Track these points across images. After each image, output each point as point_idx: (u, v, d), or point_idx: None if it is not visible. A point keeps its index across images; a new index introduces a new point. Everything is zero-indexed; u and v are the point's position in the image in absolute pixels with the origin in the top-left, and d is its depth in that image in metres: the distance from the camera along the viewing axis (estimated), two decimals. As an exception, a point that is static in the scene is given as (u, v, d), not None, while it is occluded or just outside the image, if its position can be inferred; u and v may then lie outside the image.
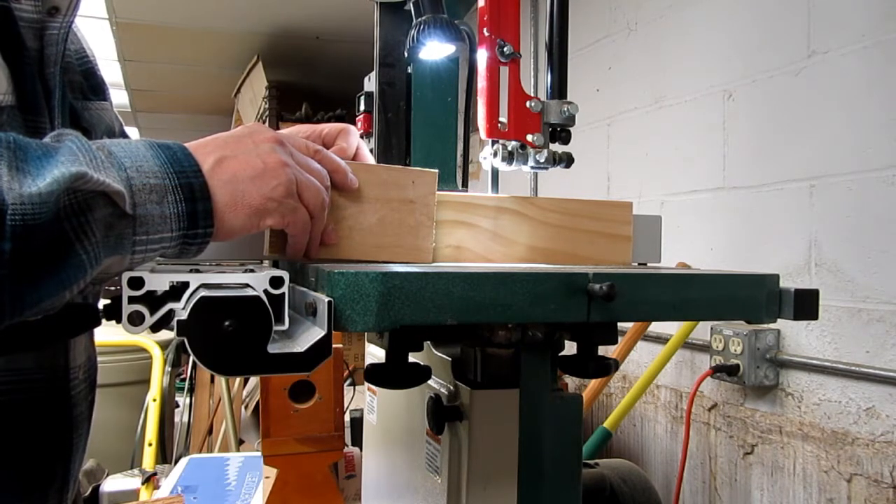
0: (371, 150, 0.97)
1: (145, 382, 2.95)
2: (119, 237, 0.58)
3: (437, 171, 0.83)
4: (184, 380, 3.88)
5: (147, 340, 2.96)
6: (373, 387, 1.07)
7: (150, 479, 2.32)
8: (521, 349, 0.81)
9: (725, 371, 2.02)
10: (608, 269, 0.77)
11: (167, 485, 1.95)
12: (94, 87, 0.86)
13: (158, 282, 0.57)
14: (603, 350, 0.83)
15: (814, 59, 1.88)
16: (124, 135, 0.90)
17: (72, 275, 0.55)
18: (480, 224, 0.88)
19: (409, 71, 1.25)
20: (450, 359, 0.86)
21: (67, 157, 0.55)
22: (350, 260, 0.79)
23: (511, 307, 0.63)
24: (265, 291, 0.57)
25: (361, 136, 0.88)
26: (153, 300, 0.57)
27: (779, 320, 0.74)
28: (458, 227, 0.87)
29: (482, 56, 0.92)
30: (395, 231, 0.80)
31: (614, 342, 0.79)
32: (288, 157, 0.68)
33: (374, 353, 1.10)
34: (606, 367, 0.81)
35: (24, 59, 0.69)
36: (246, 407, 2.95)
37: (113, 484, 2.32)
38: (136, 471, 2.43)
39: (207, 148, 0.65)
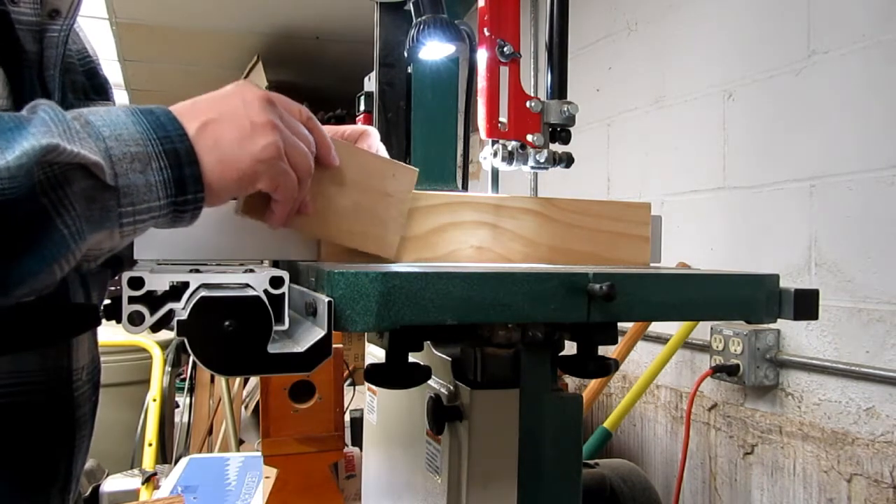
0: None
1: (145, 382, 2.95)
2: (103, 210, 0.56)
3: (417, 169, 0.82)
4: (184, 380, 3.88)
5: (147, 340, 2.96)
6: (373, 387, 1.07)
7: (150, 479, 2.32)
8: (521, 349, 0.81)
9: (725, 371, 2.02)
10: (608, 269, 0.77)
11: (167, 485, 1.95)
12: (97, 86, 0.86)
13: (158, 282, 0.57)
14: (603, 350, 0.83)
15: (814, 59, 1.88)
16: None
17: (54, 251, 0.54)
18: (501, 224, 0.88)
19: (409, 71, 1.25)
20: (450, 359, 0.86)
21: (39, 129, 0.53)
22: (320, 239, 0.78)
23: (511, 307, 0.63)
24: (265, 291, 0.58)
25: None
26: (153, 300, 0.57)
27: (779, 320, 0.74)
28: (480, 228, 0.87)
29: (482, 56, 0.92)
30: (367, 219, 0.79)
31: (614, 342, 0.79)
32: (277, 117, 0.65)
33: (374, 353, 1.10)
34: (606, 367, 0.81)
35: (22, 63, 0.69)
36: (246, 407, 2.95)
37: (113, 484, 2.32)
38: (136, 471, 2.43)
39: (193, 110, 0.63)
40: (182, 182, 0.59)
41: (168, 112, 0.61)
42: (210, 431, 3.43)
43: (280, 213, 0.69)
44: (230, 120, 0.62)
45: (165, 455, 3.12)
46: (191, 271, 0.59)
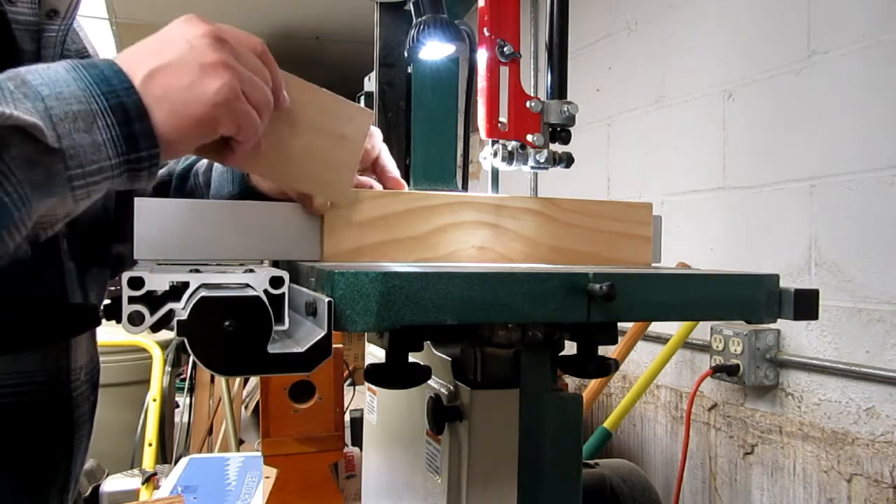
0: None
1: (145, 382, 2.95)
2: (49, 174, 0.53)
3: (373, 112, 0.80)
4: (184, 380, 3.88)
5: (147, 340, 2.96)
6: (373, 387, 1.07)
7: (150, 479, 2.32)
8: (521, 349, 0.81)
9: (725, 371, 2.02)
10: (608, 269, 0.77)
11: (167, 485, 1.95)
12: None
13: (158, 282, 0.57)
14: (603, 350, 0.83)
15: (814, 59, 1.88)
16: None
17: None
18: (503, 224, 0.87)
19: (409, 71, 1.25)
20: (450, 359, 0.86)
21: None
22: (271, 180, 0.76)
23: (511, 307, 0.63)
24: (265, 291, 0.57)
25: None
26: (153, 300, 0.57)
27: (779, 320, 0.74)
28: (481, 228, 0.86)
29: (482, 56, 0.92)
30: (320, 163, 0.75)
31: (614, 342, 0.79)
32: (227, 54, 0.61)
33: (374, 353, 1.10)
34: (606, 367, 0.81)
35: (19, 62, 0.69)
36: (246, 407, 2.95)
37: (113, 484, 2.32)
38: (136, 471, 2.43)
39: (139, 58, 0.59)
40: (133, 138, 0.56)
41: (113, 64, 0.57)
42: (210, 431, 3.43)
43: (241, 152, 0.65)
44: (178, 65, 0.58)
45: (165, 455, 3.12)
46: (191, 271, 0.59)
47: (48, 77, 0.54)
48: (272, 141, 0.70)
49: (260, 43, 0.66)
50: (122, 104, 0.55)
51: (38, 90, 0.53)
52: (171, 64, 0.58)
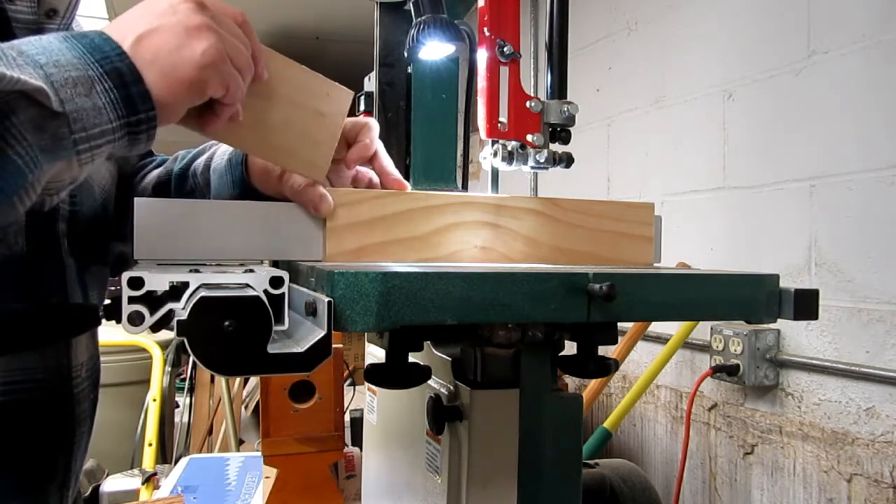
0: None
1: (145, 382, 2.95)
2: (55, 138, 0.54)
3: (352, 92, 0.81)
4: (184, 380, 3.88)
5: (147, 340, 2.96)
6: (373, 387, 1.07)
7: (150, 479, 2.32)
8: (521, 349, 0.81)
9: (725, 371, 2.02)
10: (608, 268, 0.77)
11: (167, 485, 1.95)
12: None
13: (158, 282, 0.57)
14: (603, 350, 0.83)
15: (814, 59, 1.88)
16: None
17: (12, 182, 0.52)
18: (505, 225, 0.88)
19: (409, 71, 1.25)
20: (450, 359, 0.86)
21: None
22: (249, 153, 0.77)
23: (511, 307, 0.63)
24: (265, 291, 0.57)
25: None
26: (153, 300, 0.57)
27: (779, 320, 0.75)
28: (483, 228, 0.86)
29: (482, 56, 0.92)
30: (297, 138, 0.76)
31: (614, 342, 0.79)
32: (210, 19, 0.62)
33: (374, 353, 1.10)
34: (606, 367, 0.81)
35: None
36: (246, 407, 2.95)
37: (113, 484, 2.32)
38: (136, 471, 2.43)
39: (125, 26, 0.60)
40: (131, 100, 0.57)
41: (102, 33, 0.59)
42: (210, 431, 3.43)
43: (224, 115, 0.66)
44: (164, 30, 0.60)
45: (165, 455, 3.12)
46: (191, 271, 0.59)
47: (42, 47, 0.55)
48: (250, 113, 0.71)
49: (241, 13, 0.67)
50: (116, 69, 0.57)
51: (35, 58, 0.54)
52: (157, 29, 0.60)
